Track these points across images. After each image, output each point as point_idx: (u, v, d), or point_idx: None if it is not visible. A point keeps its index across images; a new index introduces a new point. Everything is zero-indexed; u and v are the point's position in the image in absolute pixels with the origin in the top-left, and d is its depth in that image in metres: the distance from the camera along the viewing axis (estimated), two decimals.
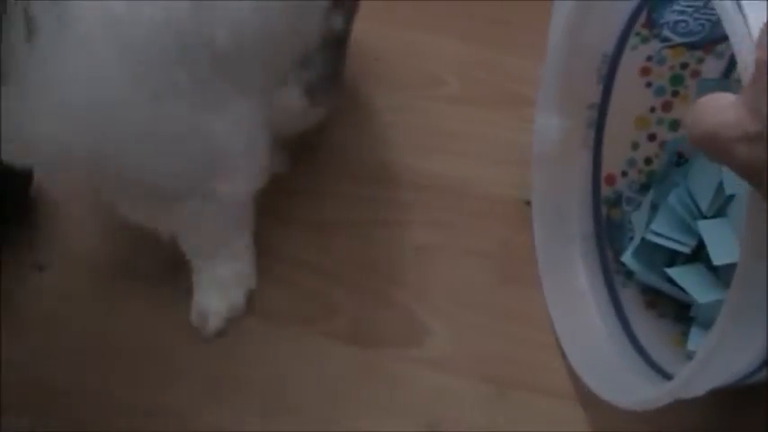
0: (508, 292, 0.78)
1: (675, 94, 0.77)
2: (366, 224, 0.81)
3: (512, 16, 0.90)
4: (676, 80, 0.76)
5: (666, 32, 0.73)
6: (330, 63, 0.75)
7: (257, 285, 0.78)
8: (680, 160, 0.77)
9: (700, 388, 0.59)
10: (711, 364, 0.56)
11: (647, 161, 0.78)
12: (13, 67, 0.56)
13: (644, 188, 0.78)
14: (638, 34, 0.73)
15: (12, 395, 0.72)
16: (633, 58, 0.74)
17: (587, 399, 0.71)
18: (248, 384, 0.73)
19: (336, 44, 0.75)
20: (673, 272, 0.72)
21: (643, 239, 0.75)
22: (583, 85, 0.76)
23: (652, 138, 0.78)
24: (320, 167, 0.84)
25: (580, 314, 0.75)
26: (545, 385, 0.74)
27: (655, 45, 0.74)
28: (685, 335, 0.72)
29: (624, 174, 0.79)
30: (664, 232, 0.73)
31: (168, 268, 0.77)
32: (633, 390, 0.66)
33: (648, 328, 0.73)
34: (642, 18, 0.73)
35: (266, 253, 0.79)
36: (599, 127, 0.77)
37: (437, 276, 0.79)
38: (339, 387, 0.74)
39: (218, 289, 0.76)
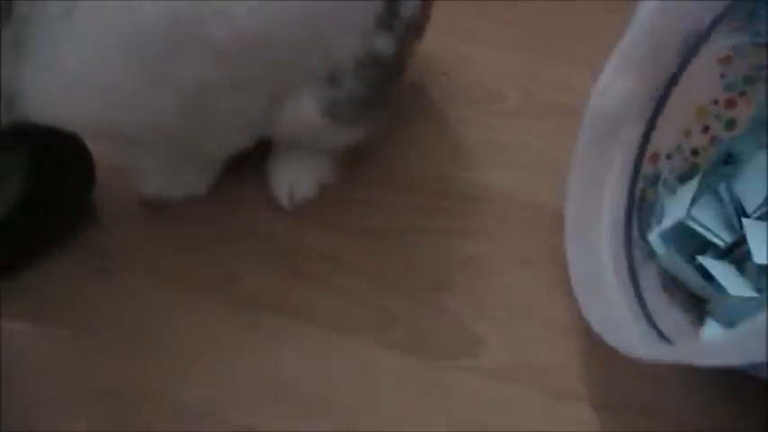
0: (560, 302, 0.76)
1: (742, 93, 0.75)
2: (420, 233, 0.81)
3: (575, 30, 0.90)
4: (749, 80, 0.75)
5: (759, 28, 0.72)
6: (368, 85, 0.74)
7: (311, 291, 0.78)
8: (729, 159, 0.76)
9: (716, 361, 0.58)
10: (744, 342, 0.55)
11: (694, 152, 0.77)
12: (38, 43, 0.62)
13: (683, 177, 0.77)
14: (732, 21, 0.72)
15: (70, 398, 0.72)
16: (718, 44, 0.73)
17: (640, 410, 0.70)
18: (298, 389, 0.73)
19: (380, 68, 0.74)
20: (704, 260, 0.71)
21: (681, 224, 0.73)
22: (663, 55, 0.74)
23: (705, 130, 0.77)
24: (376, 177, 0.85)
25: (599, 280, 0.72)
26: (597, 396, 0.72)
27: (742, 37, 0.73)
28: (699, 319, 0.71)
29: (669, 157, 0.77)
30: (705, 222, 0.72)
31: (223, 276, 0.79)
32: (646, 346, 0.65)
33: (663, 306, 0.71)
34: (743, 7, 0.71)
35: (319, 261, 0.80)
36: (659, 104, 0.75)
37: (490, 286, 0.78)
38: (390, 395, 0.72)
39: None
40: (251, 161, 0.81)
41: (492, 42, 0.93)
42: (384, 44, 0.72)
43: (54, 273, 0.79)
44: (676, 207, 0.74)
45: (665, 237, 0.74)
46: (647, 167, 0.76)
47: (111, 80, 0.64)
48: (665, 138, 0.76)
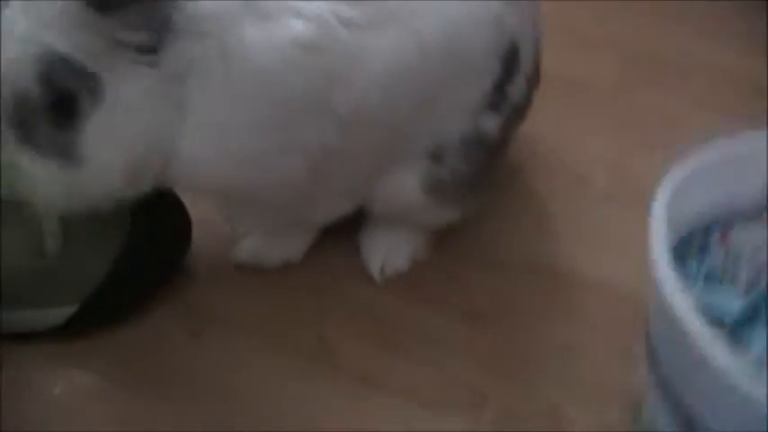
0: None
1: None
2: (515, 315, 0.80)
3: (664, 121, 0.89)
4: None
5: None
6: (471, 165, 0.75)
7: (400, 364, 0.76)
8: None
9: None
10: None
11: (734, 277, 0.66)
12: (195, 104, 0.65)
13: (710, 274, 0.66)
14: None
15: None
16: None
17: None
18: None
19: (484, 148, 0.75)
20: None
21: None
22: None
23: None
24: (465, 252, 0.84)
25: None
26: None
27: None
28: None
29: (727, 253, 0.66)
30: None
31: (315, 343, 0.78)
32: None
33: None
34: None
35: (411, 334, 0.79)
36: None
37: (585, 374, 0.76)
38: None
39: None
40: (345, 230, 0.82)
41: (581, 127, 0.93)
42: (490, 124, 0.74)
43: (144, 331, 0.78)
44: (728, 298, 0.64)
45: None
46: (714, 243, 0.67)
47: (254, 143, 0.67)
48: (751, 233, 0.67)
